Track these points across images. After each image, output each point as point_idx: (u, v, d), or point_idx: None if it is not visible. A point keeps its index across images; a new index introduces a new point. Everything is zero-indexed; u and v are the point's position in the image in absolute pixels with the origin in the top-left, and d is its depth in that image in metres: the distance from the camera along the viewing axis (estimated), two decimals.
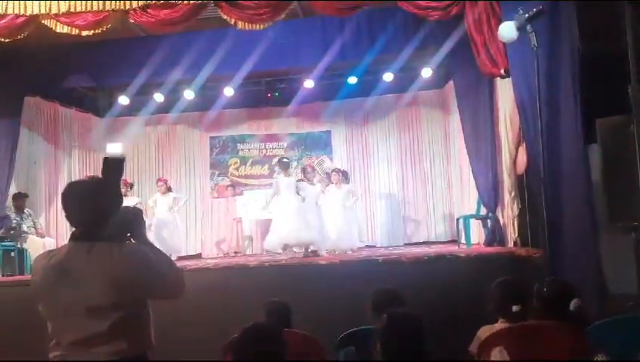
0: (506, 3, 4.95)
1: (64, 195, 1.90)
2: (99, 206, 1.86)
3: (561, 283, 2.97)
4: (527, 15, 4.06)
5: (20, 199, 7.73)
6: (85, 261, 1.79)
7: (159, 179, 8.83)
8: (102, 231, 1.85)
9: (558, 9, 4.55)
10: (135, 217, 1.95)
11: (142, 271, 1.82)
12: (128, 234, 1.93)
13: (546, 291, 2.77)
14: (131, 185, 8.54)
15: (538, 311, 2.74)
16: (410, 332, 2.06)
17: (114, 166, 1.93)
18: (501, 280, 2.88)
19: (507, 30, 4.30)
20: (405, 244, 9.29)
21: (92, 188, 1.94)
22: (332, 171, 8.40)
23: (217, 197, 10.06)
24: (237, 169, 10.26)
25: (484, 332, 2.61)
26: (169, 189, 8.66)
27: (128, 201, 8.35)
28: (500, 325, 2.66)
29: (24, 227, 7.62)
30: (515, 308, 2.61)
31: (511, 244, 6.10)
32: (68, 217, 1.89)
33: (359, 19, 6.76)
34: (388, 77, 8.95)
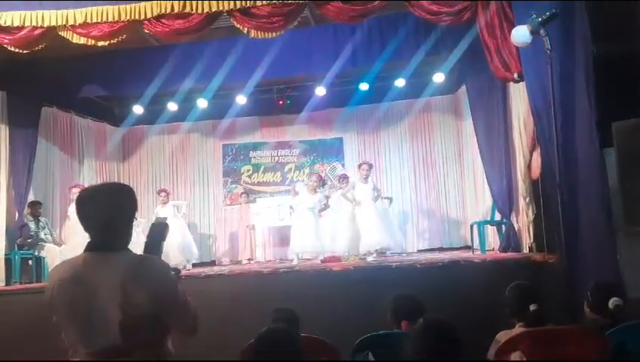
0: (519, 7, 4.93)
1: (79, 201, 1.88)
2: (115, 213, 1.85)
3: (606, 283, 3.03)
4: (540, 19, 4.05)
5: (35, 207, 7.85)
6: (102, 272, 1.76)
7: (161, 190, 8.79)
8: (119, 241, 1.84)
9: (571, 12, 4.52)
10: (165, 230, 1.95)
11: (159, 285, 1.78)
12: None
13: (591, 293, 2.86)
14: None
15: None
16: (446, 339, 2.01)
17: (159, 229, 1.98)
18: (515, 284, 2.91)
19: (520, 34, 4.28)
20: (419, 251, 9.25)
21: (109, 194, 1.91)
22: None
23: (230, 205, 10.11)
24: (250, 176, 10.31)
25: (503, 336, 2.59)
26: (167, 199, 8.62)
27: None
28: (518, 329, 2.64)
29: (41, 235, 7.73)
30: (532, 307, 2.62)
31: (526, 250, 6.04)
32: (83, 223, 1.86)
33: (370, 26, 6.79)
34: (399, 83, 8.96)
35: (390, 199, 8.93)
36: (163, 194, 8.64)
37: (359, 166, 7.83)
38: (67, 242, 7.61)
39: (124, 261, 1.79)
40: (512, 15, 5.12)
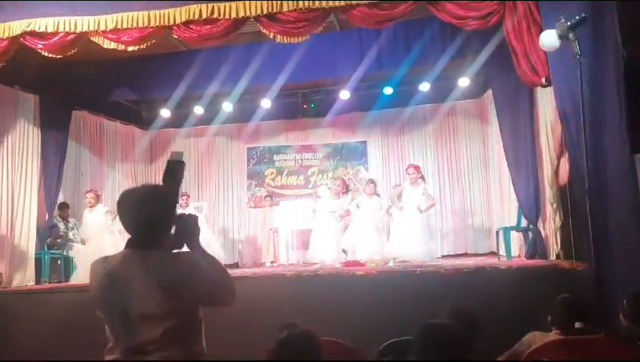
0: (547, 10, 4.86)
1: (119, 203, 1.94)
2: (153, 213, 1.89)
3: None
4: (568, 23, 3.98)
5: (63, 209, 8.06)
6: (139, 269, 1.81)
7: (182, 194, 8.73)
8: (157, 240, 1.89)
9: (600, 15, 4.44)
10: (192, 224, 1.97)
11: (192, 278, 1.83)
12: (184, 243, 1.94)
13: (627, 301, 2.87)
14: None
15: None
16: (443, 342, 2.03)
17: (175, 168, 1.99)
18: (565, 297, 2.97)
19: (548, 39, 4.22)
20: (443, 256, 9.17)
21: (147, 195, 1.95)
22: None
23: (254, 207, 10.19)
24: (273, 179, 10.39)
25: (536, 337, 2.64)
26: (187, 203, 8.63)
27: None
28: (554, 335, 2.69)
29: (70, 236, 7.93)
30: (577, 325, 2.73)
31: (553, 257, 5.94)
32: (124, 224, 1.92)
33: (396, 30, 6.77)
34: (424, 87, 8.91)
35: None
36: (184, 197, 8.63)
37: (406, 170, 7.49)
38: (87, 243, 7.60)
39: (160, 259, 1.84)
40: (539, 18, 5.05)
